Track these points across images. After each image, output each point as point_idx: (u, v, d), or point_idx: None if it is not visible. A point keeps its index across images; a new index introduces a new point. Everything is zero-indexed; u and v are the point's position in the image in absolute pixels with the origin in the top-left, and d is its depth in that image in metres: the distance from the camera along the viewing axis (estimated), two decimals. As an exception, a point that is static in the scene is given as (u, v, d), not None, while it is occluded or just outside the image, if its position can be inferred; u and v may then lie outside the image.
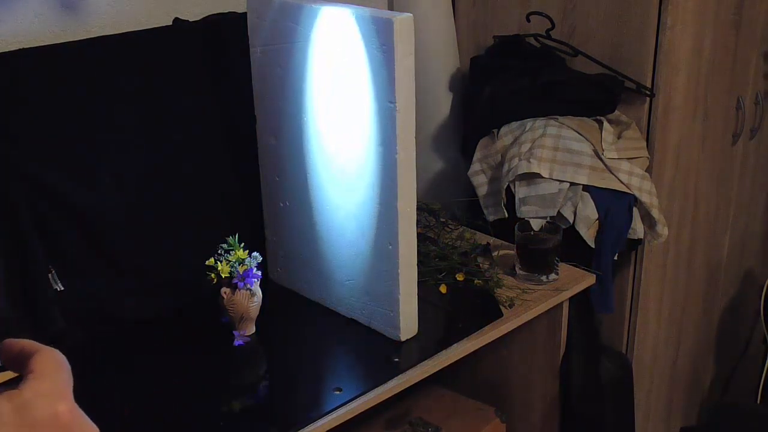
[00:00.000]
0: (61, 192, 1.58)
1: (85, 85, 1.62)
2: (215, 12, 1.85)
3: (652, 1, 1.93)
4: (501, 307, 1.71)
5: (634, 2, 1.95)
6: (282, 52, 1.61)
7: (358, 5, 1.47)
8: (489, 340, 1.65)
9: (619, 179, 1.90)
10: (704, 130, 2.22)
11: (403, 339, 1.60)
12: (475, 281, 1.79)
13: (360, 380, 1.51)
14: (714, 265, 2.51)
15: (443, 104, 2.23)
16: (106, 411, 1.45)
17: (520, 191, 1.91)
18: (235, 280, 1.55)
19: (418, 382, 1.55)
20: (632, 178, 1.91)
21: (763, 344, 2.56)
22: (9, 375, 1.22)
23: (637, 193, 1.91)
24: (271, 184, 1.76)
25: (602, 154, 1.90)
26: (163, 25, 1.78)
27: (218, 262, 1.56)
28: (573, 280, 1.81)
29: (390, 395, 1.49)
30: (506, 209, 1.94)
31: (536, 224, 1.83)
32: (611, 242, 1.90)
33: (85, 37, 1.68)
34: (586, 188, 1.88)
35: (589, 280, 1.84)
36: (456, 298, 1.76)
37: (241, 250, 1.57)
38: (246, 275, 1.56)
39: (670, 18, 1.93)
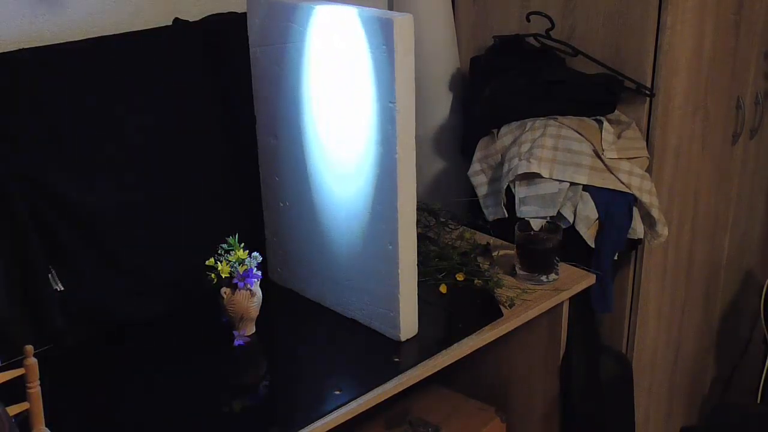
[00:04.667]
0: (61, 192, 1.58)
1: (85, 85, 1.62)
2: (215, 12, 1.85)
3: (652, 1, 1.93)
4: (501, 307, 1.71)
5: (634, 2, 1.95)
6: (282, 52, 1.61)
7: (358, 5, 1.48)
8: (489, 340, 1.65)
9: (619, 179, 1.90)
10: (704, 130, 2.22)
11: (403, 339, 1.60)
12: (475, 281, 1.79)
13: (360, 380, 1.51)
14: (714, 265, 2.51)
15: (443, 104, 2.22)
16: (106, 411, 1.45)
17: (520, 191, 1.91)
18: (235, 280, 1.55)
19: (418, 381, 1.55)
20: (632, 178, 1.91)
21: (763, 344, 2.56)
22: (9, 375, 1.22)
23: (637, 193, 1.91)
24: (271, 184, 1.76)
25: (602, 153, 1.90)
26: (163, 25, 1.78)
27: (218, 262, 1.56)
28: (573, 280, 1.81)
29: (390, 395, 1.49)
30: (506, 209, 1.94)
31: (536, 224, 1.83)
32: (611, 242, 1.90)
33: (85, 37, 1.68)
34: (586, 188, 1.88)
35: (589, 280, 1.84)
36: (456, 298, 1.76)
37: (241, 250, 1.57)
38: (246, 275, 1.56)
39: (670, 18, 1.93)
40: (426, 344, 1.60)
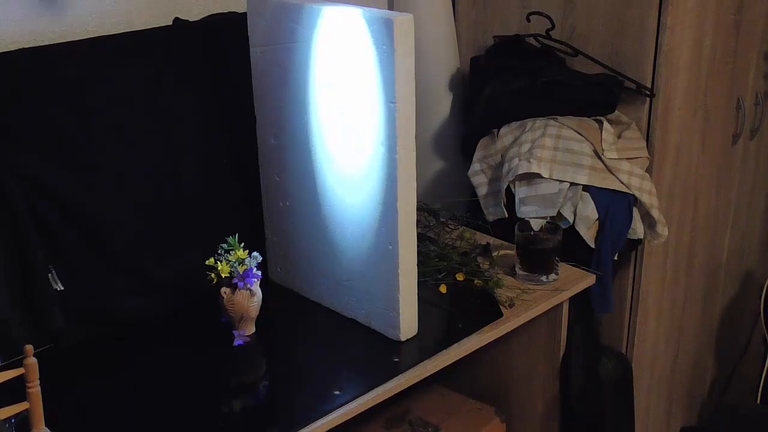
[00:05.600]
0: (61, 192, 1.58)
1: (86, 85, 1.62)
2: (215, 12, 1.85)
3: (652, 1, 1.93)
4: (501, 307, 1.71)
5: (634, 2, 1.95)
6: (282, 52, 1.61)
7: (359, 5, 1.48)
8: (489, 340, 1.65)
9: (619, 179, 1.90)
10: (704, 130, 2.22)
11: (403, 339, 1.60)
12: (475, 281, 1.79)
13: (360, 380, 1.51)
14: (714, 265, 2.51)
15: (443, 104, 2.22)
16: (106, 411, 1.45)
17: (520, 191, 1.91)
18: (235, 280, 1.55)
19: (418, 382, 1.55)
20: (632, 178, 1.91)
21: (763, 344, 2.56)
22: (9, 375, 1.22)
23: (637, 193, 1.91)
24: (271, 184, 1.76)
25: (602, 154, 1.90)
26: (163, 25, 1.78)
27: (218, 262, 1.56)
28: (573, 280, 1.81)
29: (390, 395, 1.49)
30: (506, 209, 1.94)
31: (536, 224, 1.83)
32: (611, 242, 1.90)
33: (85, 37, 1.68)
34: (586, 188, 1.88)
35: (589, 280, 1.84)
36: (456, 298, 1.76)
37: (241, 250, 1.57)
38: (246, 275, 1.56)
39: (670, 18, 1.93)
40: (426, 344, 1.60)
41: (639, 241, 2.01)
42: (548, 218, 1.86)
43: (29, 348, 1.21)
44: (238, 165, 1.83)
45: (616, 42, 2.01)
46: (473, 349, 1.63)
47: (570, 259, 1.85)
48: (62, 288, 1.58)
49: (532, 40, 2.08)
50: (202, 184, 1.78)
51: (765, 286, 2.53)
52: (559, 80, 1.97)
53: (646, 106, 2.01)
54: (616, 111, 2.01)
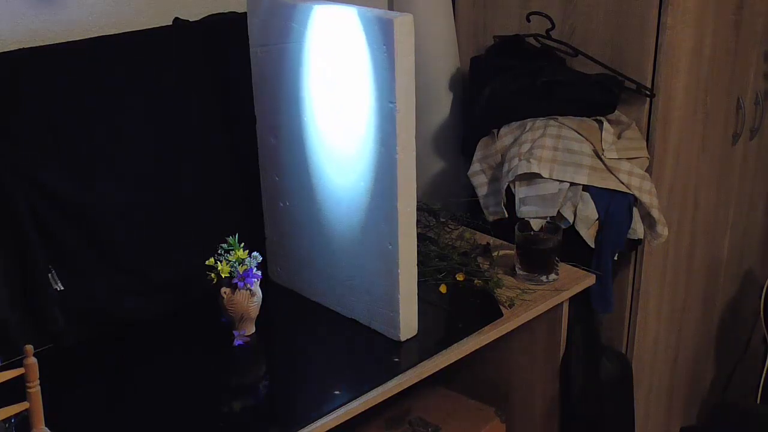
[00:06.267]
0: (61, 192, 1.58)
1: (85, 85, 1.62)
2: (215, 12, 1.85)
3: (652, 1, 1.93)
4: (501, 307, 1.71)
5: (634, 2, 1.95)
6: (282, 52, 1.61)
7: (359, 5, 1.48)
8: (489, 340, 1.65)
9: (619, 179, 1.90)
10: (704, 130, 2.22)
11: (403, 339, 1.60)
12: (475, 281, 1.79)
13: (360, 380, 1.51)
14: (714, 265, 2.51)
15: (443, 104, 2.22)
16: (106, 411, 1.45)
17: (520, 191, 1.91)
18: (235, 280, 1.56)
19: (418, 382, 1.55)
20: (632, 178, 1.91)
21: (763, 344, 2.56)
22: (9, 375, 1.22)
23: (637, 193, 1.91)
24: (271, 184, 1.76)
25: (602, 154, 1.90)
26: (163, 25, 1.78)
27: (218, 262, 1.56)
28: (573, 280, 1.81)
29: (390, 395, 1.49)
30: (506, 209, 1.94)
31: (536, 224, 1.83)
32: (611, 242, 1.90)
33: (85, 37, 1.68)
34: (586, 188, 1.88)
35: (589, 280, 1.84)
36: (456, 298, 1.76)
37: (241, 250, 1.57)
38: (246, 275, 1.56)
39: (670, 18, 1.93)
40: (426, 344, 1.60)
41: (639, 241, 2.01)
42: (548, 218, 1.86)
43: (29, 348, 1.21)
44: (238, 165, 1.83)
45: (616, 42, 2.01)
46: (473, 349, 1.63)
47: (570, 259, 1.85)
48: (62, 288, 1.58)
49: (532, 40, 2.08)
50: (202, 184, 1.78)
51: (765, 286, 2.53)
52: (559, 80, 1.97)
53: (646, 106, 2.01)
54: (616, 111, 2.01)
